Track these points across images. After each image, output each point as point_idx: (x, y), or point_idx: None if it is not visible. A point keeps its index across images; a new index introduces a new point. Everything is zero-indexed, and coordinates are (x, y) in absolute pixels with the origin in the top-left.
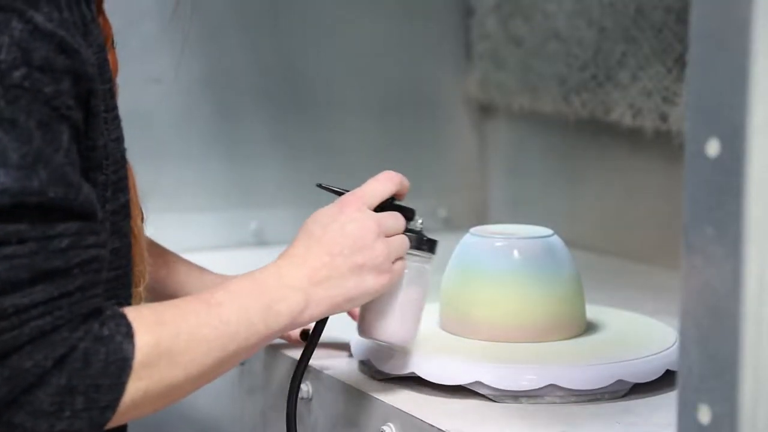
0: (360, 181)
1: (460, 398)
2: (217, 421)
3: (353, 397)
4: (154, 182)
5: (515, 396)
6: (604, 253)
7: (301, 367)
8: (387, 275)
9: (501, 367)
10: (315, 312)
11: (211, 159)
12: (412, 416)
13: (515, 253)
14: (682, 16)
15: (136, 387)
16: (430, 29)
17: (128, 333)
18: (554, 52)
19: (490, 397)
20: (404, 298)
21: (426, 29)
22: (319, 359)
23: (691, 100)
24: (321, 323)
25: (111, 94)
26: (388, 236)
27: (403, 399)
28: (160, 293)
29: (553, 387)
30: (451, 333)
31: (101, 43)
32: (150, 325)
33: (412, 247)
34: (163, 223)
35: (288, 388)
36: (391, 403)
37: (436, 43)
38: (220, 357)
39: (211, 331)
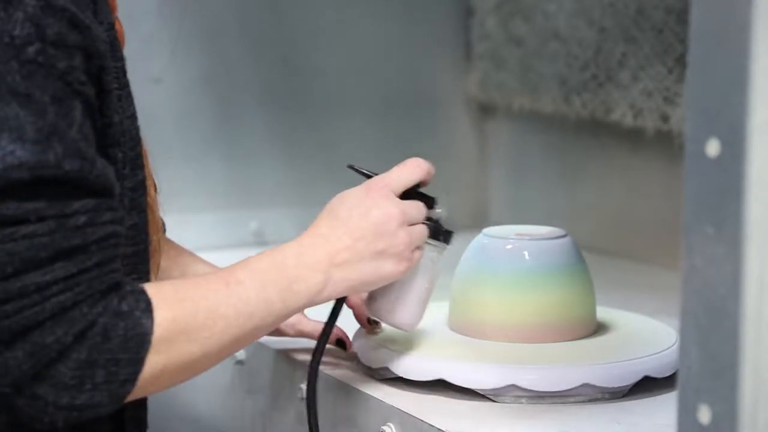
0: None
1: (460, 398)
2: (218, 421)
3: (353, 397)
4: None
5: (516, 396)
6: (604, 253)
7: (320, 349)
8: (405, 263)
9: (502, 367)
10: (332, 293)
11: (211, 159)
12: (412, 416)
13: (526, 254)
14: (682, 17)
15: (154, 361)
16: (430, 29)
17: (147, 308)
18: (554, 52)
19: (491, 397)
20: (416, 286)
21: (426, 29)
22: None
23: (691, 100)
24: (338, 306)
25: (123, 71)
26: (410, 225)
27: (403, 399)
28: None
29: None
30: (461, 333)
31: (111, 21)
32: (169, 302)
33: (429, 237)
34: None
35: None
36: (391, 403)
37: (436, 43)
38: (237, 334)
39: (229, 309)
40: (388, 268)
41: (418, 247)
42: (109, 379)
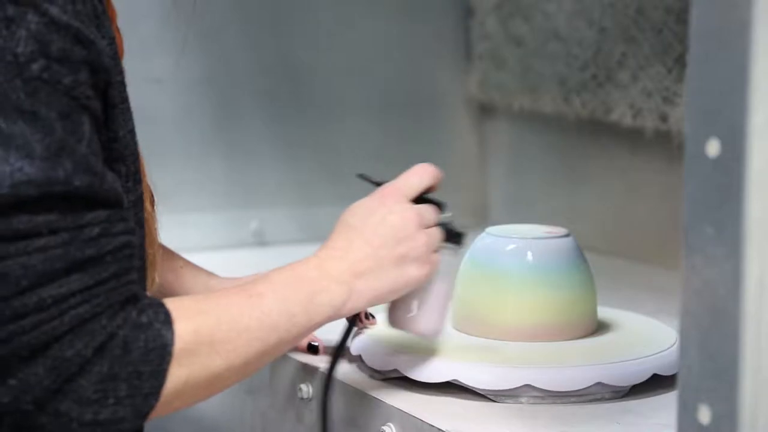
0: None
1: (460, 398)
2: (218, 421)
3: (353, 397)
4: (154, 182)
5: (515, 396)
6: (604, 253)
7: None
8: (428, 266)
9: (518, 369)
10: (357, 304)
11: (211, 159)
12: (412, 416)
13: (530, 254)
14: (682, 16)
15: (177, 374)
16: (430, 29)
17: (167, 320)
18: (554, 52)
19: (491, 397)
20: (436, 290)
21: (426, 29)
22: (319, 360)
23: (691, 100)
24: (351, 324)
25: (123, 86)
26: (426, 228)
27: (403, 399)
28: (167, 297)
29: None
30: (465, 332)
31: (112, 35)
32: (190, 314)
33: (443, 240)
34: (163, 223)
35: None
36: (391, 403)
37: (436, 43)
38: (261, 348)
39: (251, 322)
40: (412, 272)
41: (436, 251)
42: (132, 393)
